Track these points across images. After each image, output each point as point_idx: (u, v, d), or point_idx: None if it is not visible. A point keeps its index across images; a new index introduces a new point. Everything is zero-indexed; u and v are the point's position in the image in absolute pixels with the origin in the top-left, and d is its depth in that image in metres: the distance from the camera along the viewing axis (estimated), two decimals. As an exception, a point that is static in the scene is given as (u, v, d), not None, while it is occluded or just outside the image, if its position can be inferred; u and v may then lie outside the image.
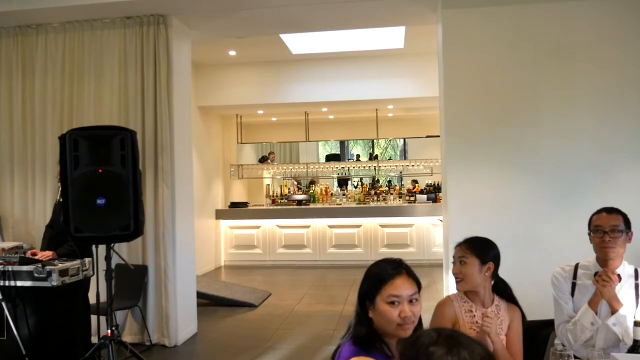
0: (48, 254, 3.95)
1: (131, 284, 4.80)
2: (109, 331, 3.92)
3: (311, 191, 10.07)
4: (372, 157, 11.07)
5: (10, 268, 3.74)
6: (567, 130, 4.58)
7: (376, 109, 9.78)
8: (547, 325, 2.78)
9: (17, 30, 5.17)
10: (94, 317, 4.24)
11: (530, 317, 2.80)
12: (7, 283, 3.72)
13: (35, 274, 3.69)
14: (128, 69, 4.97)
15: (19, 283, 3.73)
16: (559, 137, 4.59)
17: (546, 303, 2.77)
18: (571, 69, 4.59)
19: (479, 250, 2.36)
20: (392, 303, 1.72)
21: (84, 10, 4.85)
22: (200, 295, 5.84)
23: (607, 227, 2.49)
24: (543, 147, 4.60)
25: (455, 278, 2.38)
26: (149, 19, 4.94)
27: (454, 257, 2.42)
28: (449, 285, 4.68)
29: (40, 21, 5.09)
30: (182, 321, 5.00)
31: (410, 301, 1.74)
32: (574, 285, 2.61)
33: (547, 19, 4.63)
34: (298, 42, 7.39)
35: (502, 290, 2.44)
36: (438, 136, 5.46)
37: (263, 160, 10.56)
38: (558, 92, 4.60)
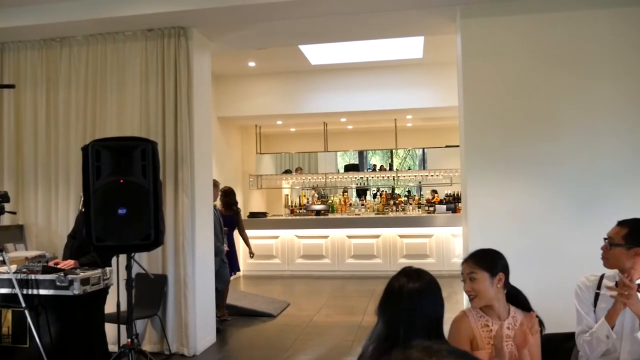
0: (70, 263, 4.01)
1: (151, 293, 4.83)
2: (129, 340, 3.95)
3: (330, 201, 10.07)
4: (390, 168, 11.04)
5: (33, 277, 3.80)
6: (587, 140, 4.51)
7: (395, 119, 9.76)
8: (570, 338, 2.72)
9: (42, 43, 5.29)
10: (114, 326, 4.27)
11: (552, 329, 2.75)
12: (30, 291, 3.78)
13: (58, 283, 3.74)
14: (149, 80, 5.04)
15: (42, 291, 3.79)
16: (579, 146, 4.52)
17: (569, 315, 2.71)
18: (591, 78, 4.54)
19: (486, 263, 2.30)
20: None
21: (106, 23, 4.94)
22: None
23: (607, 236, 2.49)
24: (563, 156, 4.54)
25: (468, 295, 2.31)
26: (169, 31, 5.01)
27: (462, 274, 2.34)
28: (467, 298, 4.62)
29: (64, 34, 5.20)
30: (201, 331, 5.01)
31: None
32: (597, 295, 2.56)
33: (568, 28, 4.59)
34: (317, 53, 7.42)
35: (515, 298, 2.38)
36: (457, 146, 5.43)
37: (288, 172, 10.60)
38: (578, 102, 4.55)
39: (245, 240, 6.75)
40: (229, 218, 6.44)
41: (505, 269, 2.33)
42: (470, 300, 2.31)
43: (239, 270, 6.74)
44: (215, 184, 5.94)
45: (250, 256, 6.79)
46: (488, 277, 2.28)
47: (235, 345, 5.36)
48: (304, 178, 10.47)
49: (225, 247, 5.97)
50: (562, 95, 4.58)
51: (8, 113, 5.32)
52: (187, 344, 4.88)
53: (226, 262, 6.01)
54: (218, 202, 6.23)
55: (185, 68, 4.99)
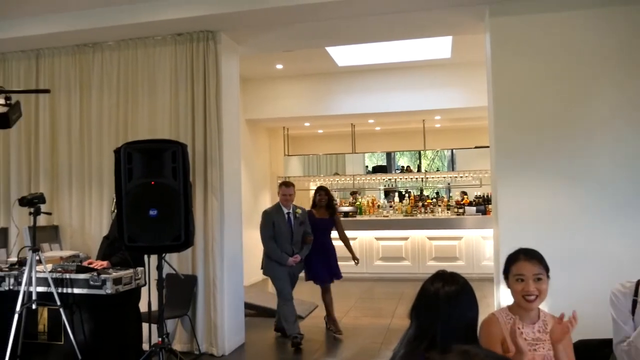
0: (103, 263, 4.09)
1: (181, 294, 4.90)
2: (160, 339, 4.01)
3: (357, 203, 10.03)
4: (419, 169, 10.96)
5: (68, 276, 3.90)
6: (621, 139, 4.39)
7: (423, 120, 9.70)
8: (606, 344, 2.66)
9: (75, 49, 5.42)
10: (146, 325, 4.34)
11: (586, 335, 2.69)
12: (65, 290, 3.88)
13: (91, 282, 3.83)
14: (179, 84, 5.12)
15: (76, 290, 3.88)
16: (613, 146, 4.41)
17: (605, 321, 2.65)
18: (624, 75, 4.42)
19: (545, 263, 2.29)
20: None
21: (137, 28, 5.04)
22: (247, 306, 5.89)
23: None
24: (597, 156, 4.43)
25: (528, 296, 2.23)
26: (198, 35, 5.08)
27: (523, 273, 2.25)
28: (500, 300, 4.55)
29: (96, 40, 5.32)
30: (230, 331, 5.06)
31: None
32: (634, 302, 2.48)
33: (600, 25, 4.48)
34: (344, 55, 7.42)
35: None
36: (487, 147, 5.36)
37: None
38: (611, 100, 4.43)
39: (346, 243, 5.94)
40: (326, 222, 5.76)
41: None
42: (529, 301, 2.24)
43: (323, 281, 5.74)
44: (290, 184, 5.48)
45: (354, 262, 5.96)
46: (546, 277, 2.27)
47: (264, 346, 5.39)
48: (331, 180, 10.46)
49: (295, 258, 5.30)
50: (594, 93, 4.47)
51: (43, 117, 5.47)
52: (217, 344, 4.93)
53: (296, 276, 5.51)
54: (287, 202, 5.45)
55: (214, 71, 5.05)
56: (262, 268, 5.52)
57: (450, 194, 10.59)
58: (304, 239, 5.44)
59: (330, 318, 5.68)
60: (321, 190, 5.88)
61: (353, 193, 10.49)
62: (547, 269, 2.27)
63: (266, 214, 5.41)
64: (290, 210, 5.40)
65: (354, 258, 5.89)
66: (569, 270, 4.24)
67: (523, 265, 2.27)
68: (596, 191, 4.43)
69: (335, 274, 5.73)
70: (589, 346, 2.66)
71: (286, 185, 5.46)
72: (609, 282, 2.66)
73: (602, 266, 4.25)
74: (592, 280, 4.14)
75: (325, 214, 5.81)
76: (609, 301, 2.56)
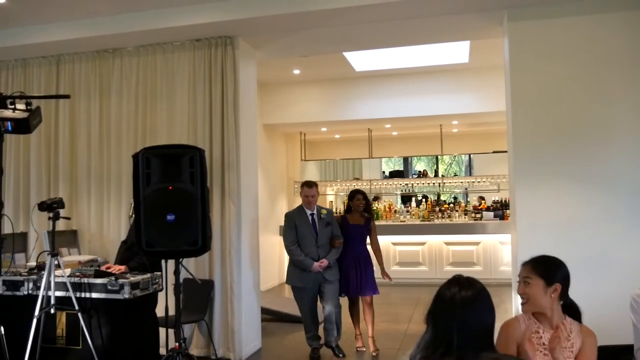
0: (121, 267, 4.12)
1: (198, 298, 4.91)
2: (177, 344, 4.02)
3: (374, 208, 9.99)
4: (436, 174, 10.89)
5: (86, 280, 3.92)
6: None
7: (440, 125, 9.64)
8: (628, 350, 2.62)
9: (95, 55, 5.49)
10: (163, 330, 4.36)
11: (607, 342, 2.65)
12: (83, 295, 3.91)
13: (109, 287, 3.85)
14: (197, 89, 5.15)
15: (94, 295, 3.91)
16: (633, 151, 4.35)
17: (626, 326, 2.61)
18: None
19: (544, 270, 2.27)
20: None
21: (156, 34, 5.09)
22: (264, 310, 5.88)
23: None
24: (618, 162, 4.37)
25: (521, 298, 2.32)
26: (216, 41, 5.11)
27: (519, 276, 2.34)
28: (518, 306, 4.49)
29: (116, 46, 5.38)
30: (247, 336, 5.06)
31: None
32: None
33: (620, 29, 4.42)
34: (361, 60, 7.41)
35: (572, 312, 2.33)
36: (505, 152, 5.31)
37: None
38: (631, 104, 4.37)
39: (378, 254, 5.41)
40: (361, 229, 5.23)
41: (564, 280, 2.28)
42: (522, 304, 2.31)
43: (351, 294, 5.20)
44: (312, 183, 5.10)
45: (384, 277, 5.34)
46: (543, 284, 2.25)
47: (280, 351, 5.37)
48: (348, 184, 10.44)
49: (322, 263, 4.85)
50: (613, 97, 4.42)
51: (63, 122, 5.54)
52: (234, 348, 4.94)
53: (331, 281, 4.94)
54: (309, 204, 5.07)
55: (231, 76, 5.08)
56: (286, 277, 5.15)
57: (468, 199, 10.51)
58: (332, 242, 4.99)
59: (356, 332, 5.32)
60: (359, 194, 5.28)
61: (375, 199, 10.45)
62: (542, 275, 2.25)
63: (287, 217, 5.10)
64: (314, 211, 5.03)
65: (384, 272, 5.31)
66: (588, 276, 4.18)
67: (521, 269, 2.35)
68: (615, 196, 4.38)
69: (370, 288, 5.19)
70: (609, 352, 2.62)
71: (308, 186, 5.06)
72: (629, 287, 2.63)
73: (622, 271, 4.20)
74: (612, 286, 4.10)
75: (361, 220, 5.25)
76: (629, 306, 2.52)
